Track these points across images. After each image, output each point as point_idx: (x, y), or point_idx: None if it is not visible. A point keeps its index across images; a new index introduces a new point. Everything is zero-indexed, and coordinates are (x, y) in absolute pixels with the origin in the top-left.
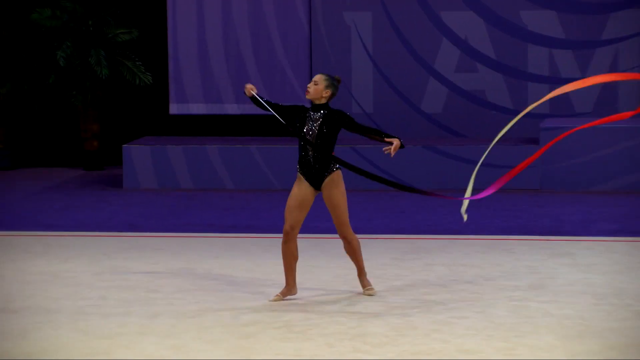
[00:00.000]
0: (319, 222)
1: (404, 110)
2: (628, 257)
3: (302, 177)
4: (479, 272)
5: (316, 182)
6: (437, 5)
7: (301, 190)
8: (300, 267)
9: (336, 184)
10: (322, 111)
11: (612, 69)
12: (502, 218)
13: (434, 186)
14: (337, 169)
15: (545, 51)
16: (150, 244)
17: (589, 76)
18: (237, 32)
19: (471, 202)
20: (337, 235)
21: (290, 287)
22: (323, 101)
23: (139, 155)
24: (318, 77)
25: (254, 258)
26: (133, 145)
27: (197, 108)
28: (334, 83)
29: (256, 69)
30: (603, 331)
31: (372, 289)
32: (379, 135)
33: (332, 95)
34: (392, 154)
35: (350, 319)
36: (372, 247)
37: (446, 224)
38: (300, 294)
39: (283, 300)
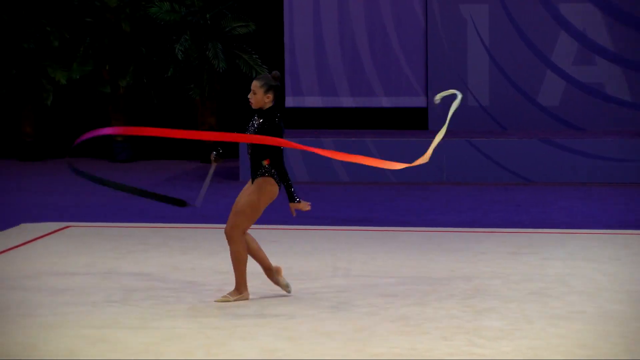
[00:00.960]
0: (434, 214)
1: (521, 103)
2: None
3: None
4: (597, 267)
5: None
6: None
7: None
8: (414, 261)
9: (254, 189)
10: (260, 120)
11: None
12: (618, 211)
13: (551, 179)
14: (266, 176)
15: None
16: (266, 235)
17: None
18: (352, 25)
19: (586, 195)
20: (453, 229)
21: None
22: (269, 105)
23: None
24: (253, 85)
25: (369, 251)
26: None
27: (313, 101)
28: (270, 83)
29: (371, 62)
30: None
31: (228, 297)
32: (287, 188)
33: (276, 95)
34: (294, 214)
35: (465, 312)
36: (489, 241)
37: (563, 217)
38: (413, 286)
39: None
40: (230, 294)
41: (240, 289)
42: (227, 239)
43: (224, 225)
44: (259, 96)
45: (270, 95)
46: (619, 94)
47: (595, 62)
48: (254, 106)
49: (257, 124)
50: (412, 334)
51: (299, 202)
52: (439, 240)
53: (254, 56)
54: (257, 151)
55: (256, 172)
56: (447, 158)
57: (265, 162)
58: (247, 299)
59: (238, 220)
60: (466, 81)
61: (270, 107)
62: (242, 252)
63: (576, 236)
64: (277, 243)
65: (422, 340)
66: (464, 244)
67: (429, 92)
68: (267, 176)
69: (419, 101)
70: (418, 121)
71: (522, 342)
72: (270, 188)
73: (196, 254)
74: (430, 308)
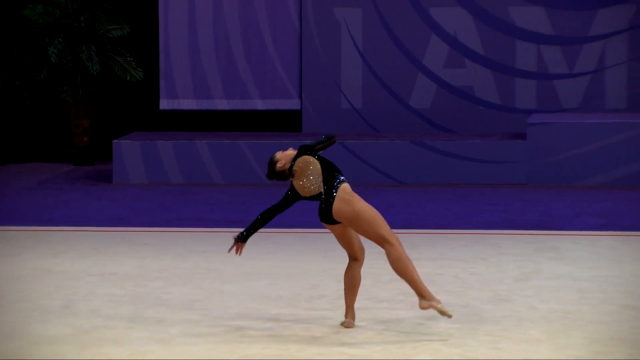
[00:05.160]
0: (305, 216)
1: (393, 105)
2: (613, 251)
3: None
4: (464, 266)
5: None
6: (427, 1)
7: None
8: (287, 262)
9: (344, 206)
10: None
11: (600, 64)
12: (488, 212)
13: (422, 181)
14: (331, 192)
15: (533, 47)
16: (140, 238)
17: (577, 71)
18: (227, 28)
19: (456, 197)
20: (325, 231)
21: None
22: (288, 173)
23: (129, 151)
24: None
25: (244, 253)
26: (123, 141)
27: (187, 103)
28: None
29: (246, 64)
30: (587, 325)
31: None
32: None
33: (286, 165)
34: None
35: (336, 312)
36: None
37: (434, 218)
38: (287, 288)
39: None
40: (427, 304)
41: (427, 296)
42: (388, 252)
43: (97, 228)
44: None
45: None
46: (487, 97)
47: (465, 65)
48: (284, 166)
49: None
50: (283, 336)
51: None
52: (312, 241)
53: (129, 58)
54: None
55: (327, 200)
56: None
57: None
58: (440, 303)
59: (377, 237)
60: (340, 84)
61: (290, 166)
62: (404, 260)
63: (446, 236)
64: (149, 245)
65: (294, 341)
66: (334, 244)
67: (303, 95)
68: (332, 191)
69: (293, 104)
70: (292, 123)
71: (392, 346)
72: (345, 194)
73: (67, 257)
74: (301, 309)
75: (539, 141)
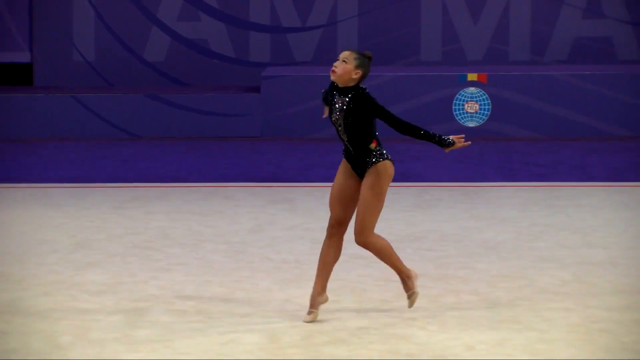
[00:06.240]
0: (39, 170)
1: (127, 58)
2: None
3: (345, 161)
4: (200, 219)
5: (359, 169)
6: None
7: (340, 178)
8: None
9: (374, 179)
10: (346, 98)
11: (332, 18)
12: (223, 165)
13: (158, 134)
14: (383, 159)
15: (266, 1)
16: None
17: (309, 25)
18: None
19: (192, 150)
20: (58, 185)
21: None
22: (352, 84)
23: None
24: (347, 55)
25: None
26: None
27: None
28: (365, 62)
29: None
30: None
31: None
32: (425, 137)
33: (364, 77)
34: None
35: (67, 268)
36: (94, 196)
37: (168, 172)
38: (30, 243)
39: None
40: (408, 287)
41: (408, 273)
42: (363, 246)
43: None
44: (349, 67)
45: (360, 72)
46: (222, 50)
47: (200, 19)
48: (336, 77)
49: (341, 104)
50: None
51: (452, 142)
52: (45, 195)
53: None
54: (359, 135)
55: (365, 160)
56: (54, 115)
57: (373, 145)
58: (416, 275)
59: (367, 221)
60: (72, 36)
61: (355, 85)
62: (383, 244)
63: (181, 190)
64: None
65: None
66: (69, 199)
67: (33, 47)
68: (382, 160)
69: (22, 56)
70: (23, 77)
71: (124, 296)
72: (391, 172)
73: None
74: (32, 264)
75: (273, 94)
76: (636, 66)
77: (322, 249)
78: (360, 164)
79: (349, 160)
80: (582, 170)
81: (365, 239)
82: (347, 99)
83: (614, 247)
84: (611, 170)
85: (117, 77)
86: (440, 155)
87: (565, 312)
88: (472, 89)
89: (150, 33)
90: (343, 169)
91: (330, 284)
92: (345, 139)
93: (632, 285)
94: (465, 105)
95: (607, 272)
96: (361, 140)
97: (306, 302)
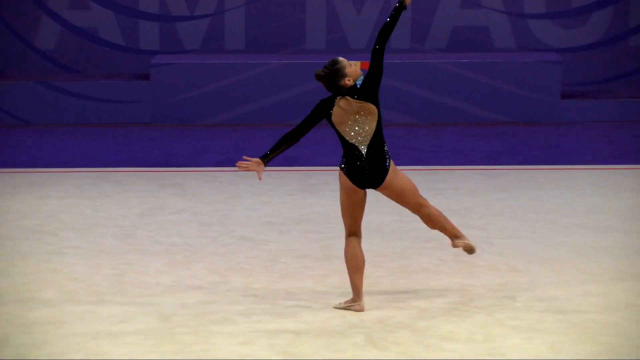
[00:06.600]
0: None
1: (17, 46)
2: (232, 186)
3: (344, 177)
4: (91, 204)
5: (370, 183)
6: None
7: (344, 197)
8: None
9: (395, 172)
10: (355, 96)
11: (219, 7)
12: (113, 151)
13: (49, 121)
14: (391, 158)
15: None
16: None
17: (197, 14)
18: None
19: (83, 136)
20: None
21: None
22: (350, 84)
23: None
24: (344, 63)
25: None
26: None
27: None
28: (341, 69)
29: None
30: (208, 256)
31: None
32: (397, 14)
33: (353, 76)
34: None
35: None
36: None
37: (60, 157)
38: None
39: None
40: (455, 244)
41: (461, 235)
42: (423, 215)
43: None
44: (356, 69)
45: (350, 78)
46: (112, 38)
47: (89, 7)
48: (351, 82)
49: (353, 93)
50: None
51: None
52: None
53: None
54: (379, 138)
55: (381, 161)
56: None
57: (385, 148)
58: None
59: (417, 198)
60: None
61: (353, 85)
62: (435, 211)
63: (73, 174)
64: None
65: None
66: None
67: None
68: (386, 158)
69: None
70: None
71: (16, 279)
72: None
73: None
74: None
75: (163, 81)
76: (511, 54)
77: (348, 254)
78: (375, 169)
79: (350, 172)
80: (460, 154)
81: (429, 210)
82: (355, 88)
83: (489, 228)
84: (487, 155)
85: (7, 64)
86: (326, 141)
87: (444, 291)
88: None
89: (41, 20)
90: (344, 185)
91: (219, 265)
92: (362, 139)
93: (507, 264)
94: None
95: (484, 252)
96: (380, 143)
97: (194, 282)
